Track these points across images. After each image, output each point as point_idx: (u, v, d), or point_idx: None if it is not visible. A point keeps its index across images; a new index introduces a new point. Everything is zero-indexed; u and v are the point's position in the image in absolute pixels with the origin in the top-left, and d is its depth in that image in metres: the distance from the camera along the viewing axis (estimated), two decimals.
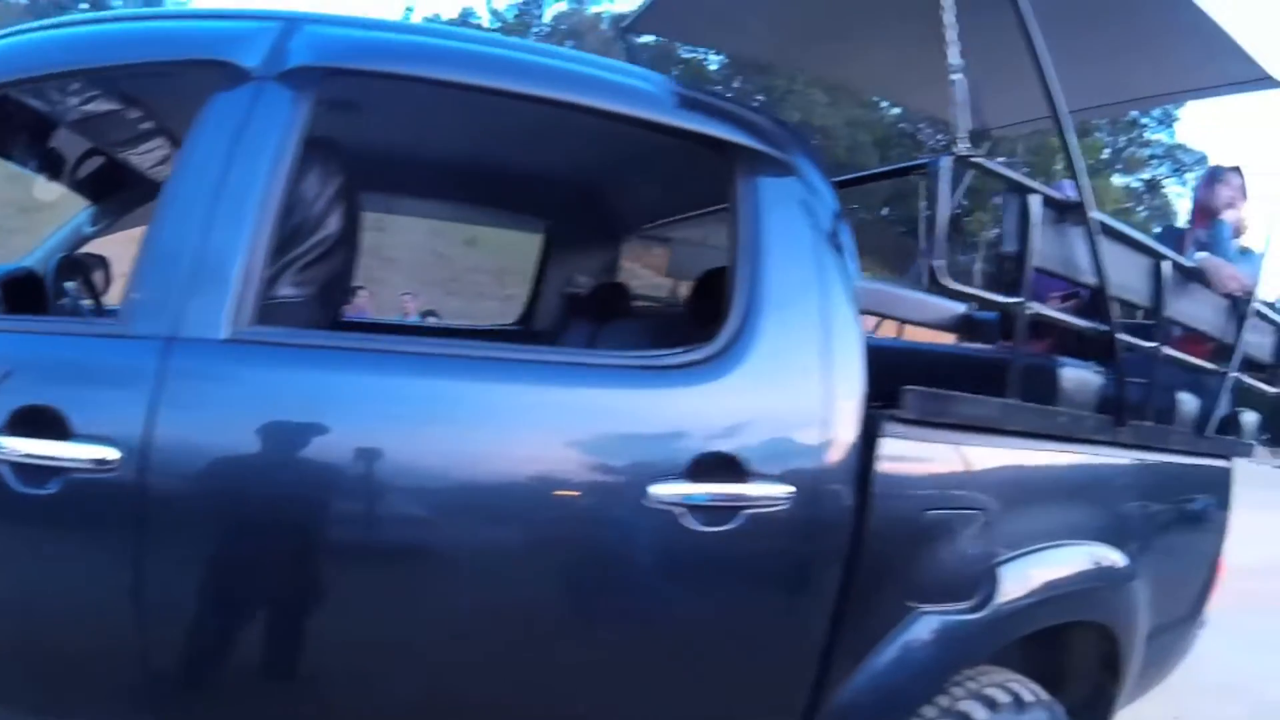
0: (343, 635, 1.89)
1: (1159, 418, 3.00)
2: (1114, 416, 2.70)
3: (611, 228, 4.11)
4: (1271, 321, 3.76)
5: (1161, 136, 66.42)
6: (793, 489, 2.02)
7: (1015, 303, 2.37)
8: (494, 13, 70.29)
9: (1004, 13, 3.17)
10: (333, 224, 2.60)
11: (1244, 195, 4.06)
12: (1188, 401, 3.16)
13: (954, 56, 2.26)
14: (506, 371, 1.99)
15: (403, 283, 16.82)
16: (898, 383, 2.23)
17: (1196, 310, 3.22)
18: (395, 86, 2.24)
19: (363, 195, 3.52)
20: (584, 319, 3.29)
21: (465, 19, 69.19)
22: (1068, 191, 4.31)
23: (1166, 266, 2.86)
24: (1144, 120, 63.42)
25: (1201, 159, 67.28)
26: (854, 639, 2.18)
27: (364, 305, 13.20)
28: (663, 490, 1.94)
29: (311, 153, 2.22)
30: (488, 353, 2.03)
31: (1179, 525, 3.28)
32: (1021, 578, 2.41)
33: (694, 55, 34.52)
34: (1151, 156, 67.46)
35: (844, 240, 2.30)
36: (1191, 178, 65.25)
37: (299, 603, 1.91)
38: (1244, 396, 3.66)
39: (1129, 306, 2.93)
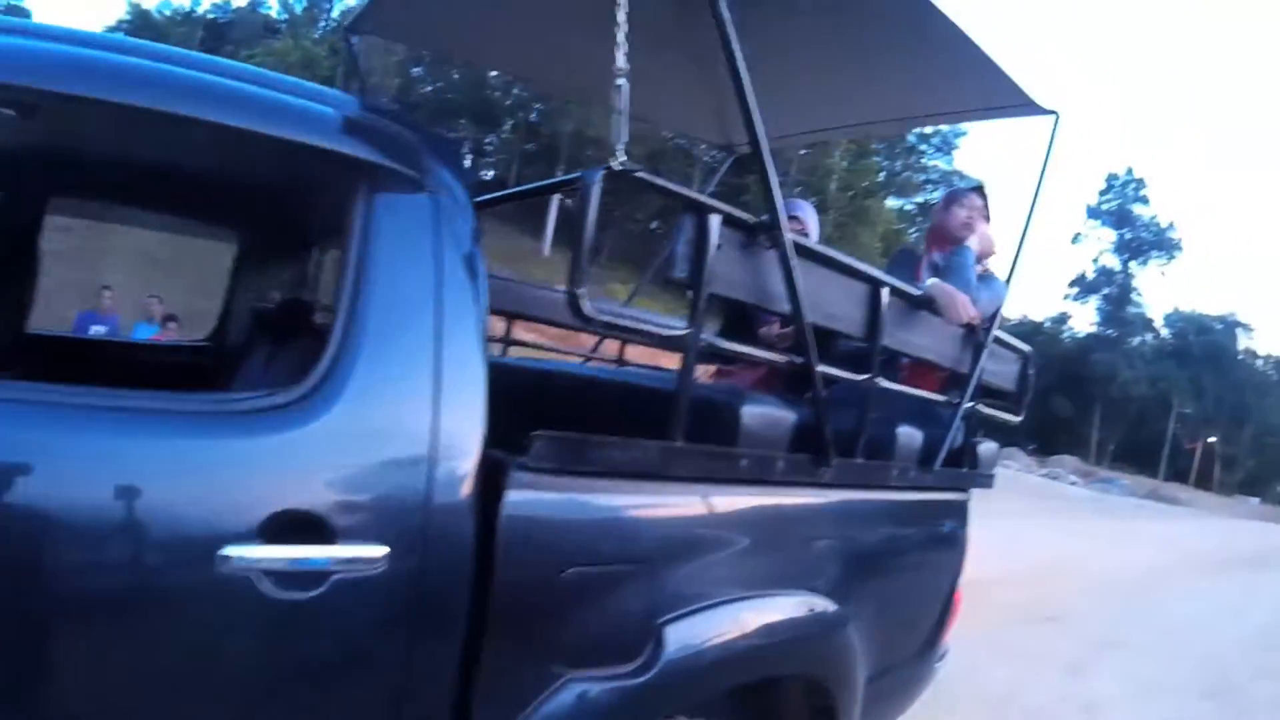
0: None
1: (876, 453, 2.84)
2: (815, 456, 2.52)
3: (301, 240, 3.76)
4: (1013, 349, 3.69)
5: (939, 162, 69.65)
6: (387, 550, 1.78)
7: (684, 333, 2.16)
8: (284, 4, 69.90)
9: (753, 31, 3.12)
10: None
11: (986, 218, 3.91)
12: (911, 435, 3.00)
13: (620, 60, 2.01)
14: (56, 417, 1.63)
15: (161, 282, 16.03)
16: (569, 416, 2.02)
17: (924, 339, 3.10)
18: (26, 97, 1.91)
19: (37, 204, 3.21)
20: (268, 337, 2.98)
21: (255, 7, 68.70)
22: (799, 210, 4.22)
23: (885, 293, 2.69)
24: (922, 146, 66.43)
25: (979, 187, 70.84)
26: (492, 709, 1.93)
27: (110, 308, 12.53)
28: (236, 553, 1.64)
29: None
30: (33, 395, 1.67)
31: (904, 563, 3.16)
32: (699, 635, 2.22)
33: None
34: (927, 181, 70.47)
35: (477, 263, 2.04)
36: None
37: None
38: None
39: (843, 337, 2.76)
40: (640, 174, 2.03)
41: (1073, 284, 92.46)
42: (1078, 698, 6.89)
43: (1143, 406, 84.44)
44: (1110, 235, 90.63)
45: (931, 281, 3.41)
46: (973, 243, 3.72)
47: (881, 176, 66.64)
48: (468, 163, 70.82)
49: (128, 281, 14.47)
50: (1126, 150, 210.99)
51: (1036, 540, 17.24)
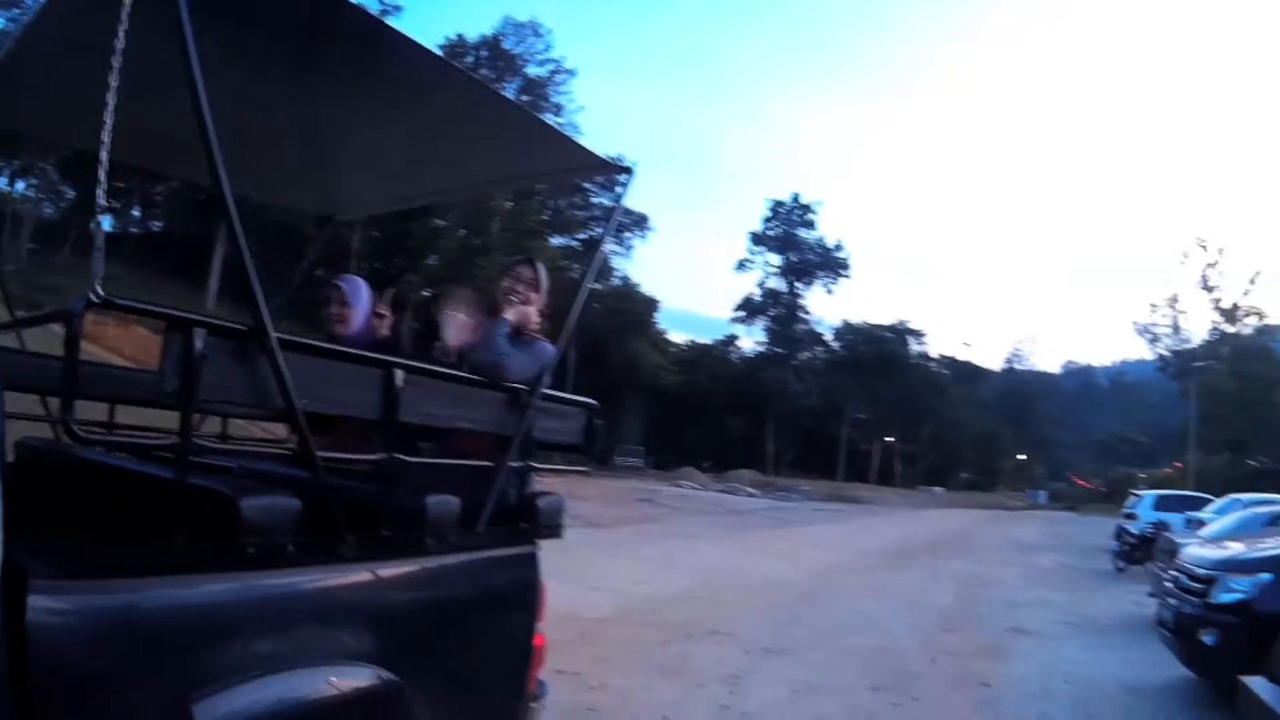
0: None
1: (408, 524, 3.06)
2: (328, 536, 2.73)
3: None
4: (576, 404, 4.02)
5: (604, 200, 71.49)
6: None
7: (169, 445, 2.39)
8: None
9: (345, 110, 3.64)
10: None
11: (536, 288, 4.20)
12: (444, 502, 3.17)
13: (101, 199, 2.18)
14: None
15: None
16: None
17: (458, 410, 3.34)
18: None
19: None
20: None
21: None
22: (344, 283, 4.48)
23: (400, 374, 2.90)
24: (588, 185, 67.90)
25: (643, 219, 74.04)
26: None
27: None
28: None
29: None
30: None
31: (465, 622, 3.35)
32: (230, 713, 2.33)
33: None
34: (591, 218, 72.26)
35: None
36: (628, 237, 72.06)
37: None
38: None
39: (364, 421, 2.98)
40: (122, 302, 2.19)
41: (739, 308, 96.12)
42: (739, 707, 7.19)
43: (816, 416, 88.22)
44: (776, 259, 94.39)
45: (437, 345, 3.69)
46: (510, 313, 3.95)
47: (546, 215, 67.43)
48: (136, 213, 68.24)
49: None
50: (800, 177, 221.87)
51: (709, 556, 17.87)
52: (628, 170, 4.24)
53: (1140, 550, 19.08)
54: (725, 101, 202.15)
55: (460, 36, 71.99)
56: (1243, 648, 6.76)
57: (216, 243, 53.63)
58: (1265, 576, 7.67)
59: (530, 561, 3.63)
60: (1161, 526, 18.43)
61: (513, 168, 4.66)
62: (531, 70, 74.22)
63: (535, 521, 3.69)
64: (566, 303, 4.11)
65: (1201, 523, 17.14)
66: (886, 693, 8.04)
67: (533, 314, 4.02)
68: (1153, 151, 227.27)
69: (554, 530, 3.80)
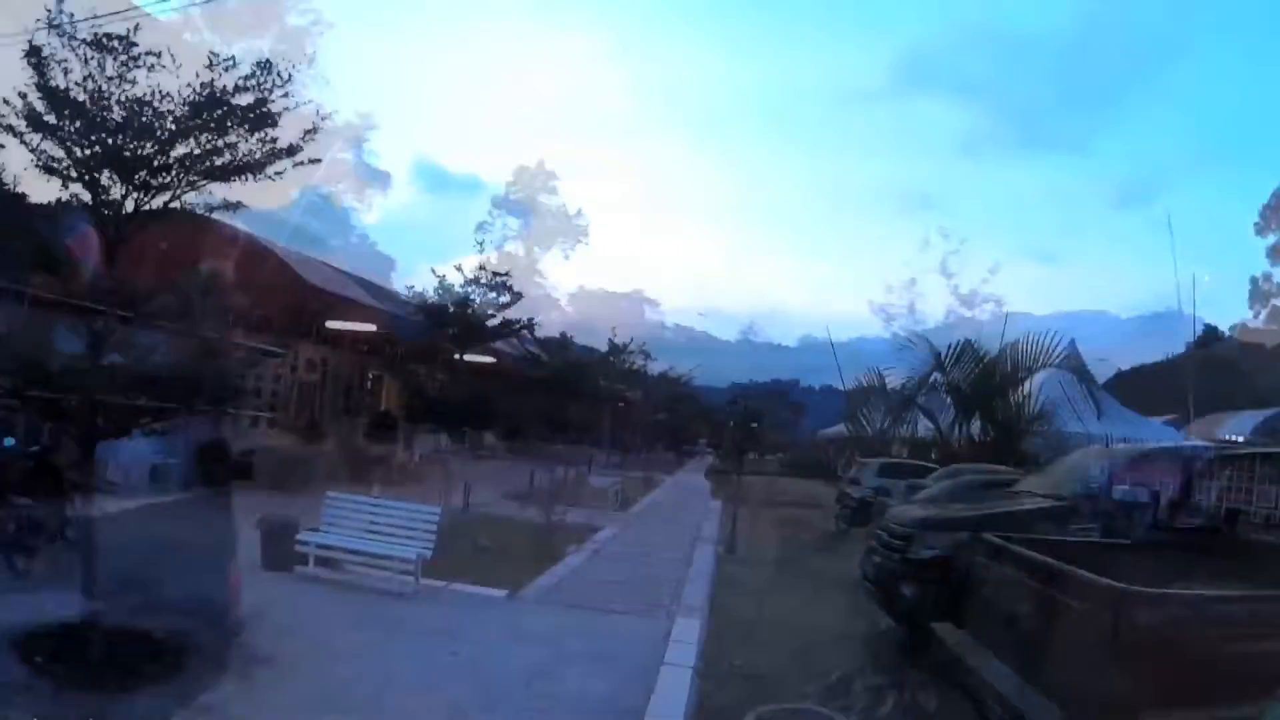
0: None
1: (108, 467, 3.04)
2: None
3: None
4: (267, 354, 3.99)
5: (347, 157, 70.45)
6: None
7: None
8: None
9: None
10: None
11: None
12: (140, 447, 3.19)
13: None
14: None
15: None
16: None
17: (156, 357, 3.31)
18: None
19: None
20: None
21: None
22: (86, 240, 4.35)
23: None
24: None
25: (386, 176, 74.24)
26: None
27: None
28: None
29: None
30: None
31: (164, 558, 3.34)
32: None
33: None
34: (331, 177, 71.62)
35: None
36: (369, 193, 71.66)
37: None
38: None
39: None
40: None
41: (479, 269, 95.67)
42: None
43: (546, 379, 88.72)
44: (515, 223, 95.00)
45: None
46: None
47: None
48: None
49: None
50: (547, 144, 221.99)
51: None
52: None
53: (861, 513, 20.14)
54: (483, 63, 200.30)
55: None
56: (937, 599, 7.19)
57: None
58: (961, 535, 8.14)
59: (226, 505, 3.68)
60: (882, 492, 19.53)
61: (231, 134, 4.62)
62: (292, 20, 71.56)
63: (228, 468, 3.72)
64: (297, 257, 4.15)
65: (921, 489, 18.03)
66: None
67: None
68: (895, 138, 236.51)
69: (246, 473, 3.84)
